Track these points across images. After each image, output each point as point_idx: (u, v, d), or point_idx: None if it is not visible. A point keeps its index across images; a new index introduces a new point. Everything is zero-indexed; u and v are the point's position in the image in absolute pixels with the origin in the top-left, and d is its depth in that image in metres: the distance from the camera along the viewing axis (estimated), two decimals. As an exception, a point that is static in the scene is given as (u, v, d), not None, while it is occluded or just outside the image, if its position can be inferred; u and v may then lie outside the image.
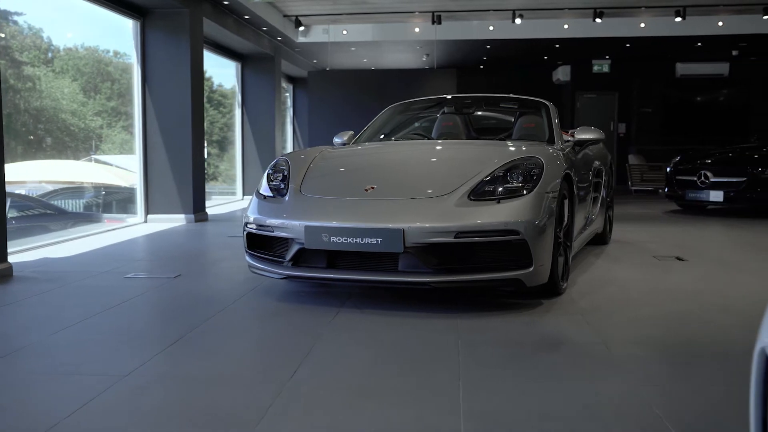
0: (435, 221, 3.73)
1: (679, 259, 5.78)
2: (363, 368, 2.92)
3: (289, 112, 18.69)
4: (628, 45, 14.41)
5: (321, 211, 3.97)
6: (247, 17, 11.18)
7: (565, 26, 13.25)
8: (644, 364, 2.96)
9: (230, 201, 13.14)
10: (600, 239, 6.42)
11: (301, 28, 13.07)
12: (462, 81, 15.46)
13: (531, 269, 3.83)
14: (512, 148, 4.45)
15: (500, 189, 3.93)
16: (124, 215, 9.66)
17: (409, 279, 3.76)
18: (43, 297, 4.40)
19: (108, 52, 10.26)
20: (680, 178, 9.95)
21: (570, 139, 5.30)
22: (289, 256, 4.02)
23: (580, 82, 17.45)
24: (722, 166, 9.54)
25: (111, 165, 10.43)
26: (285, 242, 4.09)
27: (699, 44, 14.45)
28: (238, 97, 13.54)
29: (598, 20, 12.21)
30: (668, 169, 10.39)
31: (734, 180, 9.25)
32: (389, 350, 3.18)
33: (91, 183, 10.31)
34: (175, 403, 2.50)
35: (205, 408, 2.46)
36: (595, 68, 16.89)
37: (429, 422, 2.32)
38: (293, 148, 18.22)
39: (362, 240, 3.76)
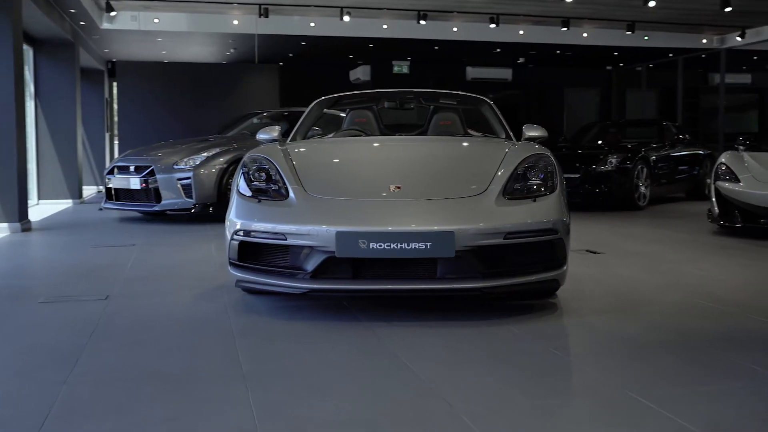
0: (484, 222, 3.48)
1: (591, 252, 6.04)
2: (502, 387, 2.60)
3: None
4: (436, 48, 14.99)
5: (352, 215, 3.51)
6: (59, -4, 9.79)
7: (384, 26, 13.41)
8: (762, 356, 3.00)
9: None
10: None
11: (113, 13, 11.74)
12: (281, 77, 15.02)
13: (564, 268, 3.74)
14: (513, 145, 4.31)
15: (527, 187, 3.78)
16: None
17: (458, 286, 3.46)
18: (-26, 335, 3.40)
19: None
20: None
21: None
22: (311, 267, 3.49)
23: (379, 82, 17.78)
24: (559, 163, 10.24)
25: None
26: (296, 251, 3.56)
27: (498, 50, 15.46)
28: (31, 88, 11.80)
29: (422, 22, 12.52)
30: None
31: (570, 176, 9.97)
32: (498, 365, 2.88)
33: None
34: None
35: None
36: (395, 69, 17.35)
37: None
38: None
39: (408, 245, 3.38)
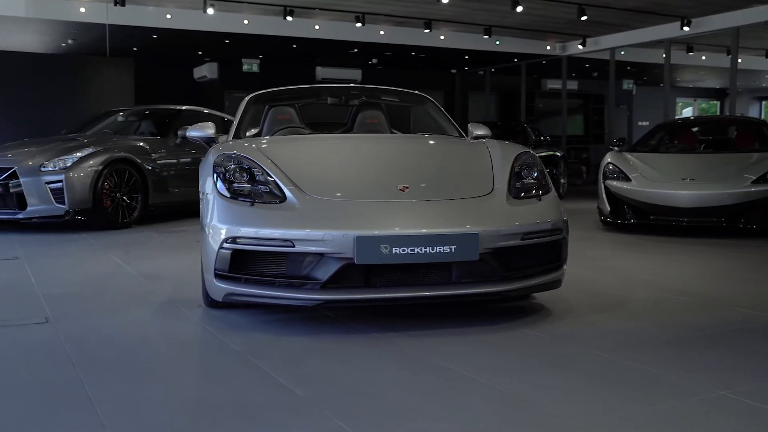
0: (504, 223, 3.35)
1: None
2: (598, 395, 2.50)
3: None
4: (294, 46, 14.65)
5: (371, 218, 3.23)
6: None
7: (245, 21, 12.90)
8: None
9: None
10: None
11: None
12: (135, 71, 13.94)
13: (565, 268, 3.71)
14: (484, 143, 4.21)
15: (525, 187, 3.71)
16: None
17: (479, 290, 3.30)
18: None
19: None
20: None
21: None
22: (324, 276, 3.17)
23: (227, 81, 17.11)
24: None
25: None
26: (300, 259, 3.22)
27: (356, 50, 15.42)
28: None
29: (288, 18, 12.17)
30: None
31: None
32: (562, 372, 2.77)
33: None
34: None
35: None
36: (245, 67, 16.79)
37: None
38: None
39: (433, 249, 3.17)
